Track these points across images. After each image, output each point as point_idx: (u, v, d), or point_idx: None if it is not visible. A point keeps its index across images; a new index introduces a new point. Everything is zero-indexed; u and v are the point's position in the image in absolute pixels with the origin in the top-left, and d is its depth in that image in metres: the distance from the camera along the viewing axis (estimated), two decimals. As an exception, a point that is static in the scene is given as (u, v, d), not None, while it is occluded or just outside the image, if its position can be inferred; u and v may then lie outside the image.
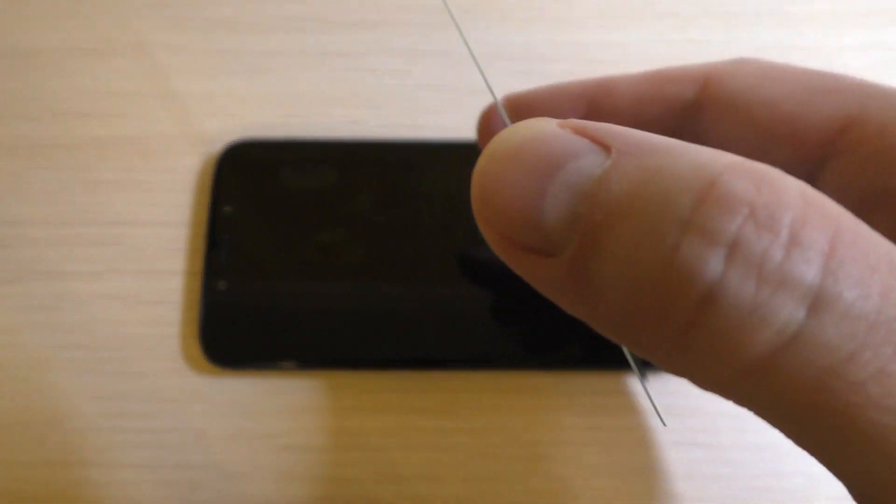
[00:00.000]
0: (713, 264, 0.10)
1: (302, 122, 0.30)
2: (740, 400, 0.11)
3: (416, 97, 0.31)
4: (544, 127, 0.12)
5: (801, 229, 0.10)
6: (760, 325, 0.10)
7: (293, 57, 0.31)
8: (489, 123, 0.23)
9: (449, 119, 0.30)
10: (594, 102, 0.21)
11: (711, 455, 0.26)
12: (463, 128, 0.30)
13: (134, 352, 0.27)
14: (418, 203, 0.29)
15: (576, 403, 0.27)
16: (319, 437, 0.26)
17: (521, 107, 0.22)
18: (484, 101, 0.31)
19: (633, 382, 0.27)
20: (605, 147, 0.11)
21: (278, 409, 0.26)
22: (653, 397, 0.14)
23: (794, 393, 0.10)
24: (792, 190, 0.10)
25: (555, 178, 0.11)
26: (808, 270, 0.10)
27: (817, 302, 0.10)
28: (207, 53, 0.31)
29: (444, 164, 0.29)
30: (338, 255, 0.28)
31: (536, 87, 0.22)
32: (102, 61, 0.31)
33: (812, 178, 0.18)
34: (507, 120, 0.14)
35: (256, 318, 0.27)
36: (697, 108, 0.20)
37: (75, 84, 0.31)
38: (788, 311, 0.10)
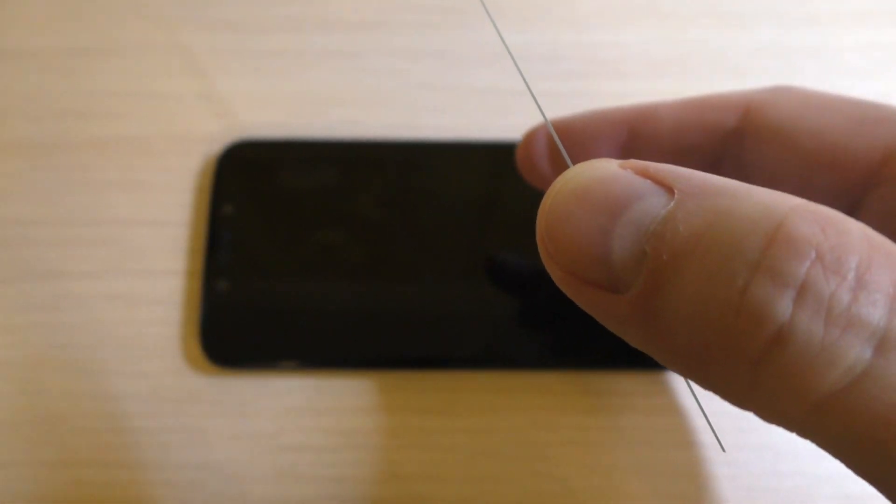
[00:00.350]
0: (783, 306, 0.10)
1: (302, 122, 0.30)
2: (805, 433, 0.11)
3: (416, 97, 0.31)
4: (607, 167, 0.12)
5: (866, 272, 0.10)
6: (828, 364, 0.10)
7: (293, 57, 0.31)
8: (530, 147, 0.23)
9: (449, 119, 0.30)
10: (635, 129, 0.21)
11: (711, 455, 0.26)
12: (463, 128, 0.30)
13: (134, 352, 0.27)
14: (418, 203, 0.29)
15: (576, 403, 0.27)
16: (319, 437, 0.26)
17: (563, 133, 0.22)
18: (485, 102, 0.31)
19: (633, 383, 0.27)
20: (668, 188, 0.12)
21: (278, 409, 0.27)
22: (694, 411, 0.14)
23: (860, 429, 0.11)
24: (856, 233, 0.11)
25: (621, 218, 0.12)
26: (875, 312, 0.10)
27: (884, 343, 0.10)
28: (208, 53, 0.31)
29: (444, 164, 0.29)
30: (338, 255, 0.28)
31: (578, 112, 0.22)
32: (102, 61, 0.31)
33: (856, 206, 0.19)
34: (567, 158, 0.15)
35: (257, 318, 0.27)
36: (739, 135, 0.20)
37: (75, 84, 0.31)
38: (856, 352, 0.10)
